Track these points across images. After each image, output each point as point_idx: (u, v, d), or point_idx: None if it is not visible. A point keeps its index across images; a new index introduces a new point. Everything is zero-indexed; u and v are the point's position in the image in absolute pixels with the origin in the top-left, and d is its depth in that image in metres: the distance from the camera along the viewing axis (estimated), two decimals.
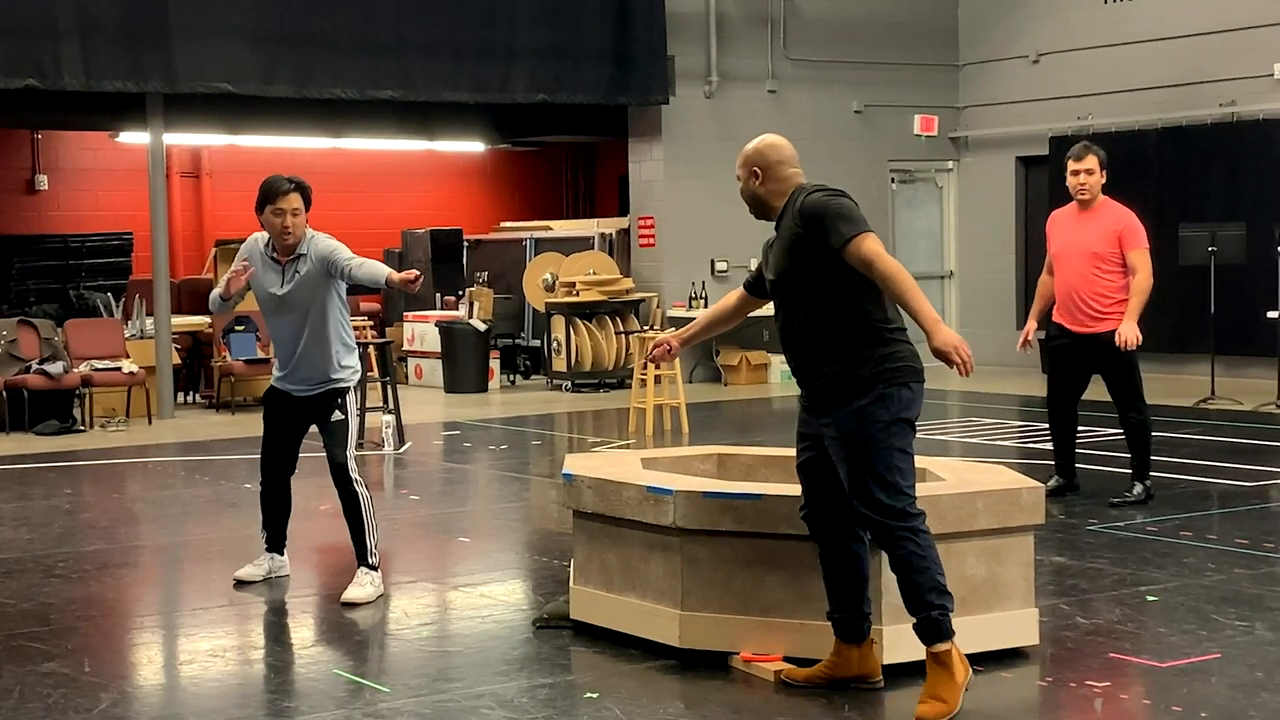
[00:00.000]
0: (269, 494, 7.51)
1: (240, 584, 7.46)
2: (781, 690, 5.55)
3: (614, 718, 5.29)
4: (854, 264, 5.17)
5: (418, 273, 6.93)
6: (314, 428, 7.37)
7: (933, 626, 5.19)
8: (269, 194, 7.08)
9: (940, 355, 5.02)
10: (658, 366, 6.12)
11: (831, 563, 5.46)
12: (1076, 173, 8.91)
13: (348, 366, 7.29)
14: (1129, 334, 8.70)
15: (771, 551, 5.72)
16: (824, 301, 5.30)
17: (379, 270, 7.06)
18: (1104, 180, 8.97)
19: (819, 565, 5.57)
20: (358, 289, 15.84)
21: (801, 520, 5.51)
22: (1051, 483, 9.08)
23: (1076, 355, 9.05)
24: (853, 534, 5.43)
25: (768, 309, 5.74)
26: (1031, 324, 9.37)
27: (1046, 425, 9.54)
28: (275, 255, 7.20)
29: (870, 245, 5.14)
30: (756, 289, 5.82)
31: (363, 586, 7.12)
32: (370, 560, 7.19)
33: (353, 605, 7.01)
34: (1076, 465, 9.46)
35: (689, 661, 5.84)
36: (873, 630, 5.53)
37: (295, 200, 7.07)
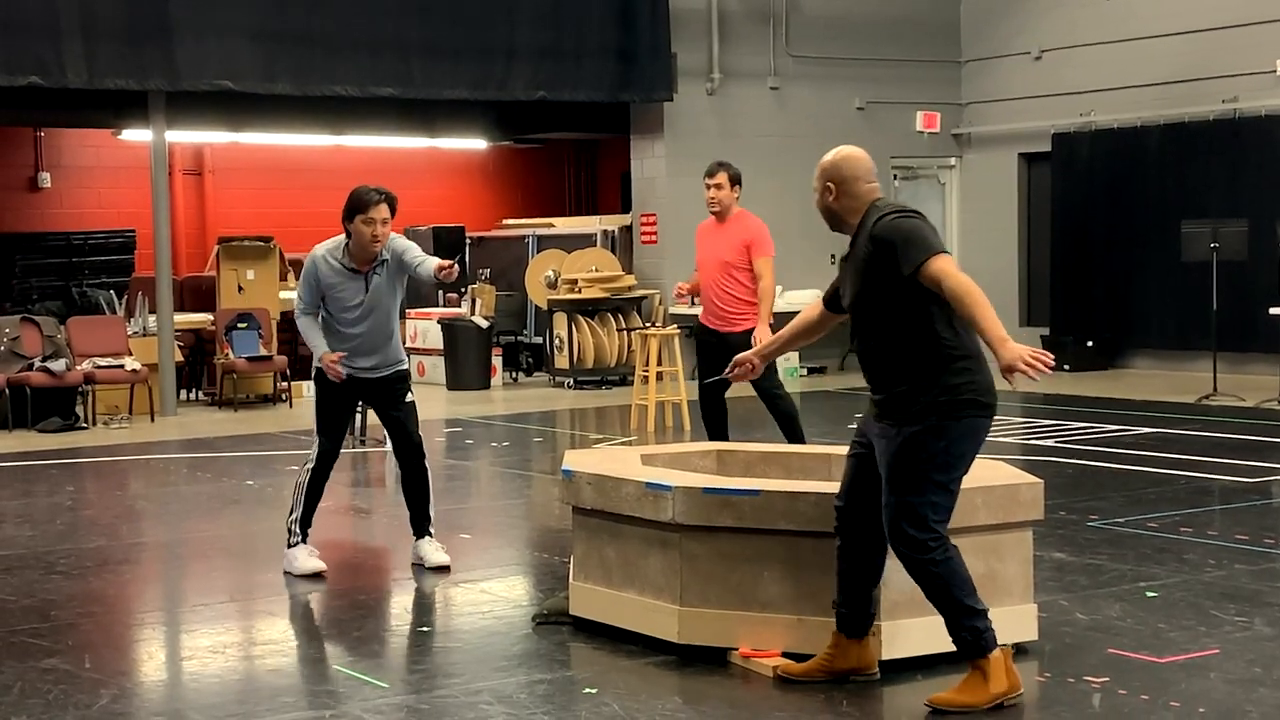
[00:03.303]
0: (324, 478, 7.65)
1: (306, 576, 7.49)
2: (780, 685, 5.55)
3: (613, 713, 5.29)
4: (927, 285, 5.12)
5: (450, 261, 7.32)
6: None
7: (965, 647, 5.26)
8: (360, 204, 7.33)
9: (1008, 370, 4.93)
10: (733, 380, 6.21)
11: (850, 559, 5.46)
12: (709, 188, 9.45)
13: (401, 349, 7.74)
14: (766, 337, 8.98)
15: (770, 547, 5.73)
16: (895, 324, 5.25)
17: (431, 266, 7.41)
18: (737, 195, 9.49)
19: (820, 561, 5.60)
20: None
21: (834, 509, 5.50)
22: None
23: (718, 350, 9.44)
24: (879, 538, 5.42)
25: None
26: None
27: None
28: (353, 265, 7.43)
29: (940, 264, 5.09)
30: (835, 304, 5.72)
31: (440, 550, 7.64)
32: (432, 529, 7.72)
33: (445, 568, 7.57)
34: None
35: (688, 657, 5.85)
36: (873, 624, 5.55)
37: (385, 210, 7.34)
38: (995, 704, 5.21)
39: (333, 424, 7.66)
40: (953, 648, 5.39)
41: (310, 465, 7.61)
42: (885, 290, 5.23)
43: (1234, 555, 7.66)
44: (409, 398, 7.69)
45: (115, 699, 5.61)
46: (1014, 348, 4.93)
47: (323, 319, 7.57)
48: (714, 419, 9.75)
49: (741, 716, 5.29)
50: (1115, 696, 5.39)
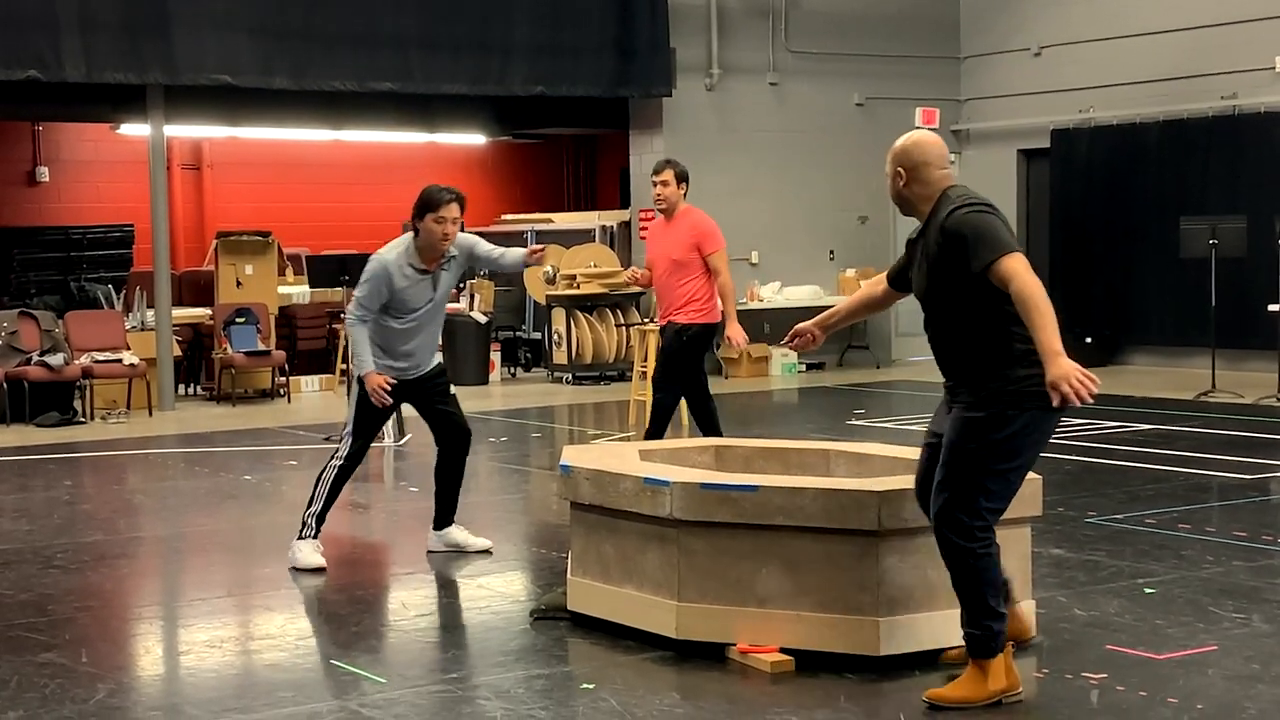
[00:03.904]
0: (349, 477, 7.73)
1: (308, 571, 7.52)
2: (778, 681, 5.55)
3: (610, 708, 5.29)
4: (996, 284, 5.06)
5: (540, 246, 7.61)
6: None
7: (973, 642, 5.25)
8: (432, 203, 7.39)
9: (1053, 386, 4.86)
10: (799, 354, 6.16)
11: None
12: (655, 185, 9.56)
13: None
14: (736, 335, 9.26)
15: (768, 543, 5.72)
16: (966, 318, 5.20)
17: (518, 255, 7.75)
18: (684, 192, 9.55)
19: (818, 557, 5.61)
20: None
21: (915, 494, 5.51)
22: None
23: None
24: None
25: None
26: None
27: None
28: (422, 266, 7.47)
29: (1011, 264, 5.01)
30: (900, 282, 5.68)
31: (474, 535, 7.92)
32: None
33: (489, 551, 7.85)
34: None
35: (685, 652, 5.84)
36: (1012, 591, 5.57)
37: (455, 210, 7.40)
38: (994, 701, 5.21)
39: (371, 427, 7.73)
40: (952, 644, 5.39)
41: (339, 464, 7.64)
42: (956, 285, 5.18)
43: (1232, 552, 7.66)
44: (453, 389, 7.87)
45: (112, 693, 5.60)
46: (1065, 364, 4.85)
47: (375, 321, 7.52)
48: (703, 416, 9.72)
49: (739, 712, 5.28)
50: (1113, 693, 5.39)
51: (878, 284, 5.88)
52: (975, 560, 5.18)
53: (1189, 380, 15.49)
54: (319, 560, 7.54)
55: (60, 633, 6.46)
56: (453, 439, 7.82)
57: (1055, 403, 4.90)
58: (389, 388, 7.44)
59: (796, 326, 6.04)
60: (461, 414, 7.87)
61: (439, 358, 7.84)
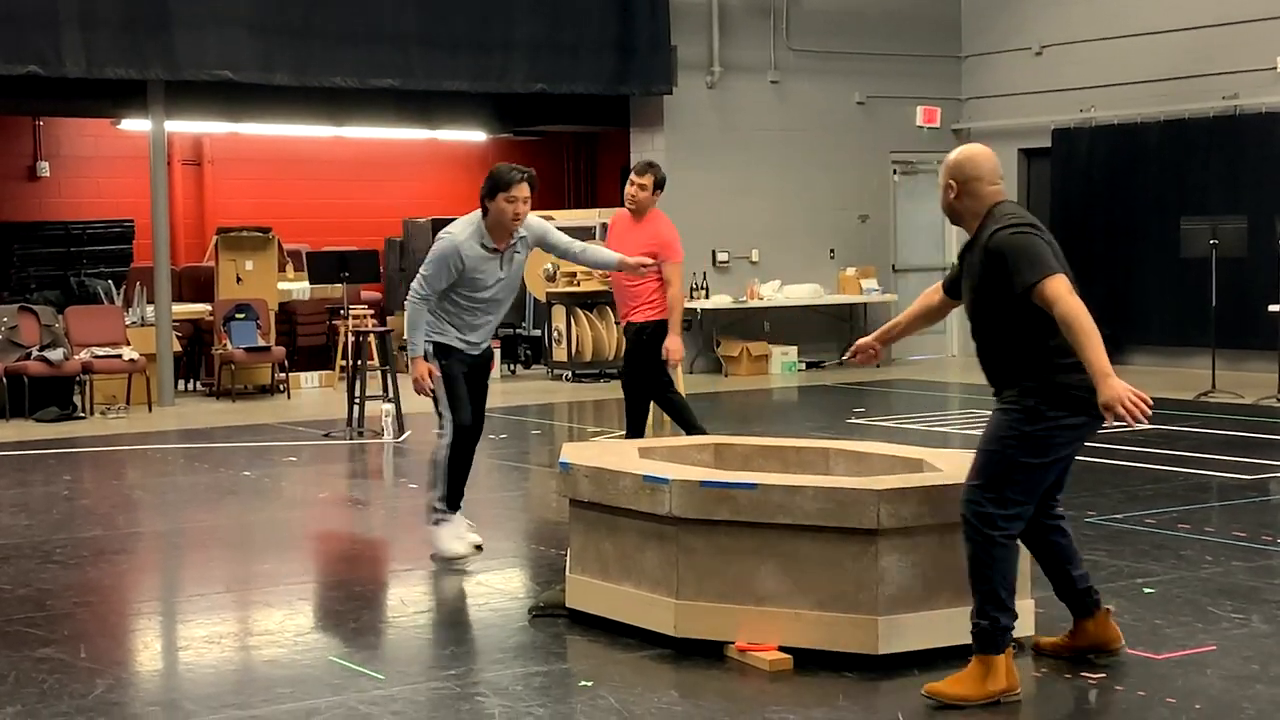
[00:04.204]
0: (465, 453, 7.70)
1: (453, 558, 7.54)
2: (776, 679, 5.55)
3: (608, 706, 5.29)
4: (1039, 305, 5.13)
5: (653, 262, 7.88)
6: None
7: (979, 634, 5.26)
8: (503, 183, 7.42)
9: (1106, 408, 4.93)
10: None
11: (1036, 553, 5.59)
12: (633, 184, 9.50)
13: None
14: (674, 349, 9.18)
15: (767, 541, 5.72)
16: (1008, 331, 5.28)
17: (608, 258, 7.89)
18: (656, 198, 9.54)
19: (817, 555, 5.61)
20: (367, 277, 15.81)
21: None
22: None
23: (631, 340, 9.56)
24: (1050, 527, 5.51)
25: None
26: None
27: None
28: (492, 245, 7.48)
29: (1053, 288, 5.09)
30: (955, 291, 5.75)
31: (473, 531, 7.78)
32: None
33: (479, 548, 7.68)
34: None
35: (684, 650, 5.84)
36: (1100, 602, 5.69)
37: (526, 190, 7.45)
38: (992, 700, 5.21)
39: (463, 399, 7.61)
40: (951, 642, 5.38)
41: (448, 442, 7.61)
42: (999, 302, 5.26)
43: (1231, 552, 7.66)
44: (493, 374, 7.99)
45: (110, 689, 5.60)
46: (1115, 385, 4.91)
47: (446, 301, 7.50)
48: (674, 413, 9.67)
49: (737, 710, 5.28)
50: (1112, 693, 5.39)
51: (934, 293, 5.95)
52: (994, 548, 5.21)
53: (1189, 380, 15.48)
54: (459, 548, 7.55)
55: (59, 628, 6.46)
56: (476, 424, 7.80)
57: (1108, 420, 4.99)
58: (430, 382, 7.43)
59: (858, 342, 6.12)
60: (484, 405, 7.87)
61: (488, 345, 7.85)
